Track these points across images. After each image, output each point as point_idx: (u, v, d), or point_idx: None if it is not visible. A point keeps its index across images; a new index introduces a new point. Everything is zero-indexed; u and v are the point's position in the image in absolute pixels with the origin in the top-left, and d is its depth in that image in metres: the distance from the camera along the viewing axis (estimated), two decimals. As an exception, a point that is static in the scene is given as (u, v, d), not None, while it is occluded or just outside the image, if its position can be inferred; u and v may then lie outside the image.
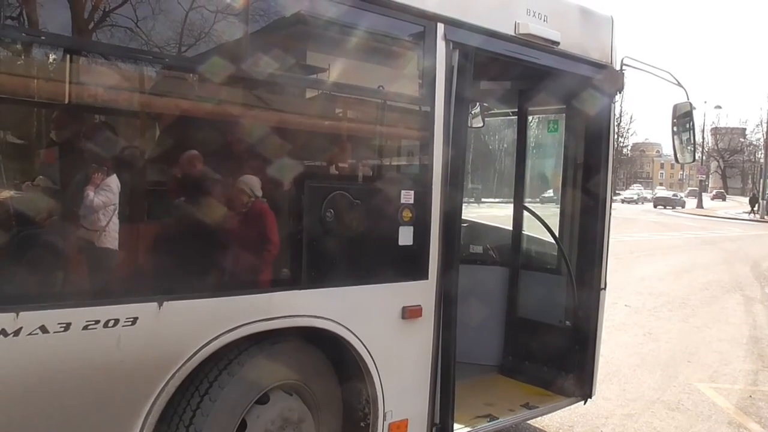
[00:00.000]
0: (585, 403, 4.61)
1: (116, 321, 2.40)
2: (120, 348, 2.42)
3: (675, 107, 4.87)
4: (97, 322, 2.36)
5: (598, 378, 4.74)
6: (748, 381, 6.40)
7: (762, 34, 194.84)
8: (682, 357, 7.16)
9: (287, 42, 3.07)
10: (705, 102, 60.96)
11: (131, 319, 2.43)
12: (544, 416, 4.61)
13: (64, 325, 2.30)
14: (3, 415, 2.24)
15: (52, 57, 2.60)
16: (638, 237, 21.92)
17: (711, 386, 6.11)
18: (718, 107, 56.02)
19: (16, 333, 2.20)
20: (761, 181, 43.14)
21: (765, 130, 45.54)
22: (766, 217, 38.82)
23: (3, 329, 2.18)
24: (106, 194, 2.55)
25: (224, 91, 2.90)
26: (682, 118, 4.86)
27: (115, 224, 2.59)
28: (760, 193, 42.31)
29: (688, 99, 4.85)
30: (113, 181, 2.57)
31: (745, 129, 69.60)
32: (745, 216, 40.18)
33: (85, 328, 2.34)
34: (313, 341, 3.12)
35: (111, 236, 2.61)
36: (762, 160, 46.80)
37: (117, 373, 2.44)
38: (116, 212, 2.55)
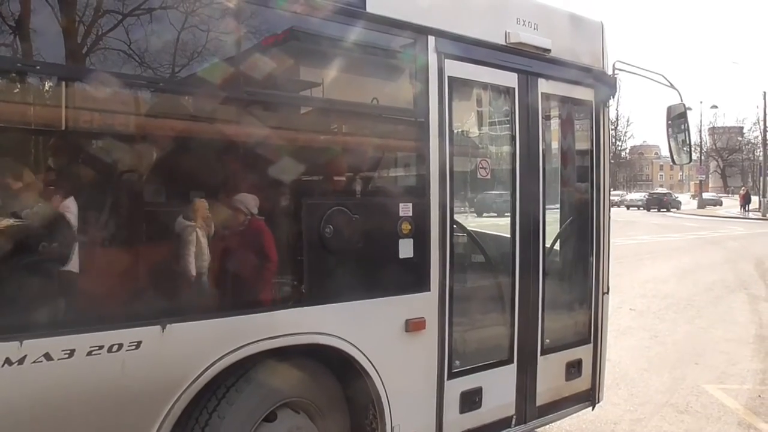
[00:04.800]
0: (593, 409, 4.62)
1: (120, 345, 2.43)
2: (125, 372, 2.44)
3: (669, 109, 4.94)
4: (101, 347, 2.39)
5: (606, 383, 4.75)
6: (757, 381, 6.34)
7: (756, 32, 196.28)
8: (689, 359, 7.12)
9: (280, 59, 3.11)
10: (701, 102, 61.54)
11: (135, 343, 2.46)
12: (553, 423, 4.60)
13: (69, 351, 2.32)
14: None
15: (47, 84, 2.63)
16: (640, 239, 21.88)
17: (719, 387, 6.07)
18: (715, 107, 56.40)
19: (20, 362, 2.22)
20: (761, 179, 43.23)
21: (762, 128, 45.61)
22: (767, 214, 38.87)
23: (7, 358, 2.20)
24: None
25: (220, 111, 2.94)
26: (677, 120, 4.93)
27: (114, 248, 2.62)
28: (760, 191, 42.41)
29: (681, 100, 4.91)
30: (71, 203, 2.56)
31: (742, 128, 69.86)
32: (752, 215, 40.21)
33: (90, 353, 2.36)
34: (318, 358, 3.14)
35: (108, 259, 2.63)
36: (761, 158, 46.91)
37: (123, 398, 2.46)
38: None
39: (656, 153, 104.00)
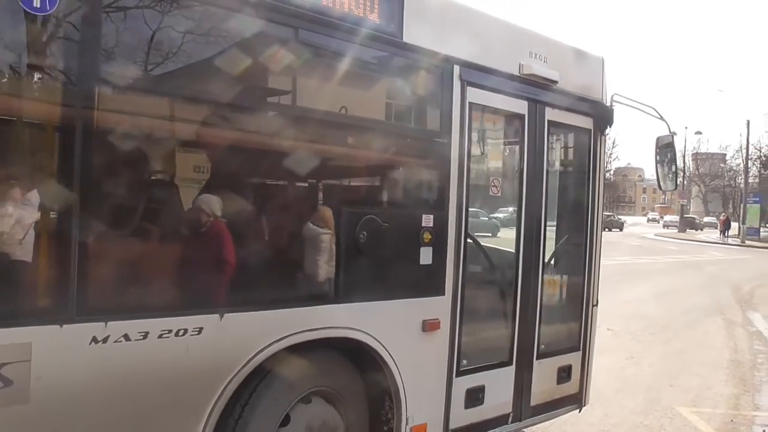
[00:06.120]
0: (580, 411, 5.12)
1: (185, 330, 2.84)
2: (188, 354, 2.86)
3: (658, 139, 5.53)
4: (170, 331, 2.80)
5: None
6: (730, 405, 6.58)
7: (741, 61, 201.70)
8: (664, 381, 7.35)
9: (328, 81, 3.56)
10: (686, 127, 62.68)
11: (197, 329, 2.87)
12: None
13: (143, 333, 2.73)
14: (93, 412, 2.64)
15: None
16: (621, 261, 22.35)
17: (693, 410, 6.28)
18: (699, 133, 57.84)
19: (104, 340, 2.63)
20: (741, 206, 44.58)
21: (744, 155, 46.95)
22: (746, 241, 40.11)
23: (94, 336, 2.61)
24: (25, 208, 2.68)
25: (278, 126, 3.39)
26: (665, 149, 5.51)
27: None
28: (740, 218, 43.78)
29: (669, 132, 5.48)
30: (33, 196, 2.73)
31: (725, 154, 71.48)
32: (731, 241, 41.53)
33: (160, 336, 2.77)
34: (340, 351, 3.56)
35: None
36: (742, 185, 48.30)
37: (186, 377, 2.87)
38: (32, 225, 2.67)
39: (640, 175, 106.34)
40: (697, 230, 55.02)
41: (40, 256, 2.63)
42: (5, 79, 2.66)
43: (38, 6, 2.43)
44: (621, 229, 54.22)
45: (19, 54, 2.62)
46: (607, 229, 51.44)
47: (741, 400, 6.74)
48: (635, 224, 62.24)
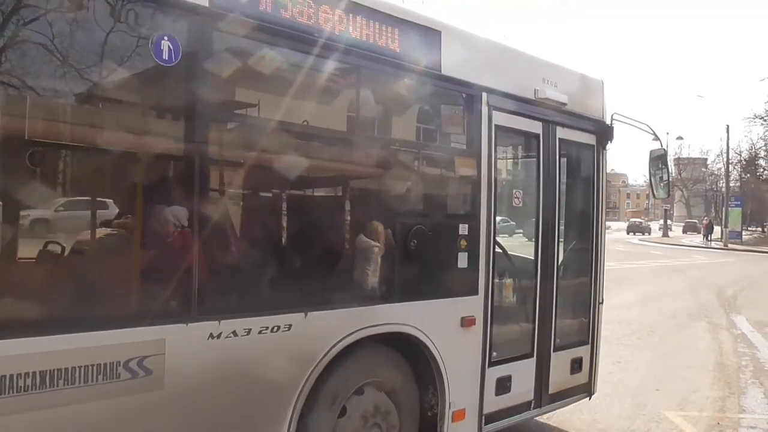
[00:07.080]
0: (590, 399, 5.82)
1: (278, 327, 3.48)
2: (281, 347, 3.50)
3: (651, 152, 6.35)
4: (267, 327, 3.43)
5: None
6: (716, 408, 6.81)
7: (721, 67, 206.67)
8: (651, 385, 7.59)
9: (390, 112, 4.25)
10: (667, 133, 63.89)
11: (288, 326, 3.51)
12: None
13: (247, 330, 3.36)
14: (211, 395, 3.26)
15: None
16: (607, 266, 22.79)
17: (679, 414, 6.51)
18: (680, 138, 59.09)
19: (218, 336, 3.26)
20: (723, 209, 45.94)
21: (725, 160, 48.40)
22: (729, 244, 41.37)
23: (211, 333, 3.24)
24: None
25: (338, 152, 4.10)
26: (657, 161, 6.28)
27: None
28: (722, 222, 45.14)
29: (662, 146, 6.27)
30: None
31: (706, 159, 73.41)
32: (714, 245, 42.81)
33: (260, 332, 3.41)
34: (393, 346, 4.19)
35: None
36: (723, 189, 49.70)
37: (279, 366, 3.50)
38: None
39: (623, 181, 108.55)
40: (698, 233, 57.92)
41: (169, 267, 3.29)
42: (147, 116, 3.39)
43: (166, 59, 3.09)
44: (649, 233, 58.17)
45: (151, 96, 3.34)
46: (633, 233, 57.47)
47: (727, 403, 7.02)
48: (619, 230, 63.43)
